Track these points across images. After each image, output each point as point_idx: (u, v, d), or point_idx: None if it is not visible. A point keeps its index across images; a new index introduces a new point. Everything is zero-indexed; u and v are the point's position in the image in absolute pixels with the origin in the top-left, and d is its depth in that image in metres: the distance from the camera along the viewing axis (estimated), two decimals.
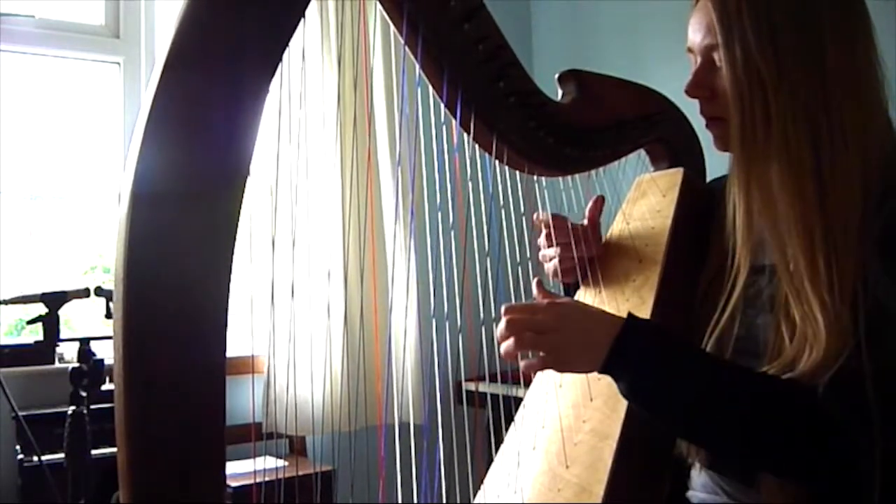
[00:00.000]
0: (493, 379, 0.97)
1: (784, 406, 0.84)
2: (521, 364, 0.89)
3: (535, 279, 0.92)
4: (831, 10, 0.90)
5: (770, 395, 0.85)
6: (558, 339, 0.87)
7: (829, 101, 0.88)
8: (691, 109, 1.19)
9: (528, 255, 1.17)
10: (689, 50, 0.99)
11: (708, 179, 1.24)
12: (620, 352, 0.85)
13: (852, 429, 0.80)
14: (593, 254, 1.15)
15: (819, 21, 0.89)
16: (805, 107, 0.88)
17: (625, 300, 1.06)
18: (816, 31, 0.89)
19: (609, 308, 1.06)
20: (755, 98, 0.89)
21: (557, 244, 1.14)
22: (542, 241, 1.17)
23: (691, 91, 0.98)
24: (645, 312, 1.01)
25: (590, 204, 1.18)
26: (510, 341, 0.87)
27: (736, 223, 0.95)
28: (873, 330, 0.81)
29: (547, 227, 1.14)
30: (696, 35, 0.97)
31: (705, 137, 1.21)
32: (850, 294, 0.83)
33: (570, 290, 1.20)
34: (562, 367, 0.91)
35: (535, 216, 1.14)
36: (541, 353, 0.87)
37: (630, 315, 0.88)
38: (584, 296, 1.13)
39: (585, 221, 1.18)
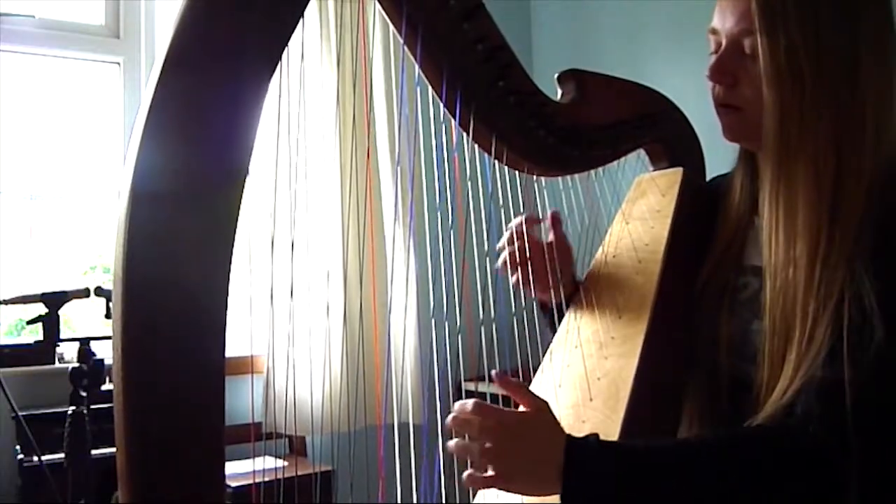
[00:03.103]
0: (493, 379, 0.96)
1: (765, 464, 0.81)
2: (467, 478, 0.83)
3: (494, 372, 0.86)
4: (868, 13, 0.89)
5: (747, 461, 0.82)
6: (506, 462, 0.81)
7: (857, 105, 0.87)
8: (692, 109, 1.19)
9: (528, 254, 1.17)
10: (713, 31, 0.96)
11: (707, 178, 1.24)
12: (571, 491, 0.79)
13: (833, 444, 0.78)
14: (565, 268, 1.12)
15: (858, 23, 0.88)
16: (836, 109, 0.87)
17: (624, 300, 1.06)
18: (855, 33, 0.88)
19: (609, 309, 1.06)
20: (794, 92, 0.88)
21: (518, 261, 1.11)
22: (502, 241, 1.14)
23: (714, 76, 0.95)
24: (645, 312, 1.01)
25: (547, 222, 1.14)
26: (460, 444, 0.83)
27: (765, 224, 0.93)
28: (853, 335, 0.80)
29: (512, 235, 1.11)
30: (726, 19, 0.94)
31: (705, 137, 1.21)
32: (835, 301, 0.82)
33: (544, 310, 1.17)
34: (509, 489, 0.83)
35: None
36: (489, 472, 0.81)
37: (568, 440, 0.81)
38: (583, 302, 1.12)
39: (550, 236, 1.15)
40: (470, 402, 0.83)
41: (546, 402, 0.86)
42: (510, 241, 1.11)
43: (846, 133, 0.87)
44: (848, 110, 0.87)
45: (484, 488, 0.85)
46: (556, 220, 1.15)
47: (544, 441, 0.82)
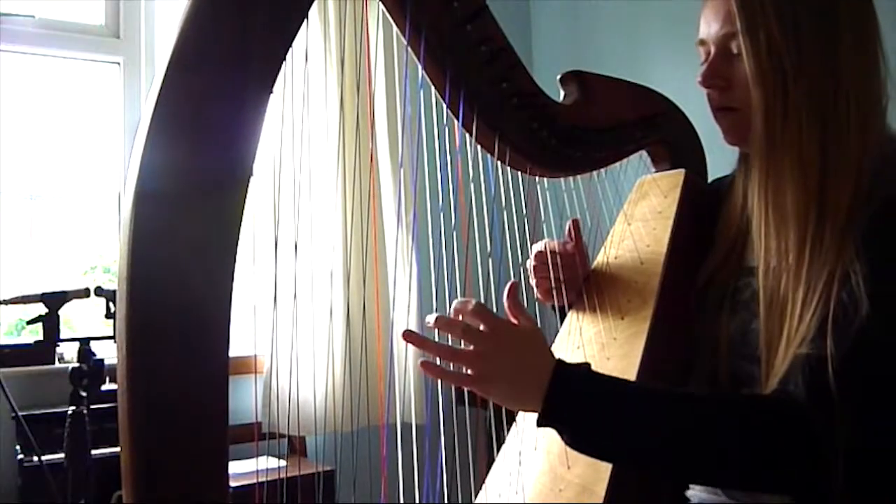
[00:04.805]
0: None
1: (740, 422, 0.83)
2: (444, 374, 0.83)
3: (509, 284, 0.89)
4: (848, 5, 0.90)
5: (724, 416, 0.84)
6: (489, 367, 0.82)
7: (839, 98, 0.88)
8: (692, 110, 1.19)
9: (530, 255, 1.17)
10: (701, 42, 0.99)
11: (709, 180, 1.24)
12: (552, 409, 0.82)
13: (814, 416, 0.79)
14: (574, 276, 1.15)
15: (837, 17, 0.89)
16: (818, 102, 0.89)
17: (627, 301, 1.06)
18: (834, 27, 0.89)
19: (612, 310, 1.06)
20: (777, 86, 0.89)
21: (535, 265, 1.15)
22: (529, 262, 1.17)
23: (707, 80, 0.97)
24: (647, 313, 1.02)
25: (566, 230, 1.17)
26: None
27: (755, 221, 0.94)
28: (839, 312, 0.81)
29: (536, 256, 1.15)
30: (711, 25, 0.96)
31: (707, 138, 1.21)
32: (823, 284, 0.84)
33: (556, 313, 1.20)
34: (485, 394, 0.85)
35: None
36: (468, 371, 0.83)
37: (559, 365, 0.84)
38: (586, 303, 1.13)
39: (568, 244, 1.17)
40: (472, 302, 0.85)
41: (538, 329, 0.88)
42: (542, 259, 1.14)
43: (830, 127, 0.88)
44: (831, 104, 0.88)
45: (457, 385, 0.86)
46: (577, 229, 1.17)
47: (534, 355, 0.84)
